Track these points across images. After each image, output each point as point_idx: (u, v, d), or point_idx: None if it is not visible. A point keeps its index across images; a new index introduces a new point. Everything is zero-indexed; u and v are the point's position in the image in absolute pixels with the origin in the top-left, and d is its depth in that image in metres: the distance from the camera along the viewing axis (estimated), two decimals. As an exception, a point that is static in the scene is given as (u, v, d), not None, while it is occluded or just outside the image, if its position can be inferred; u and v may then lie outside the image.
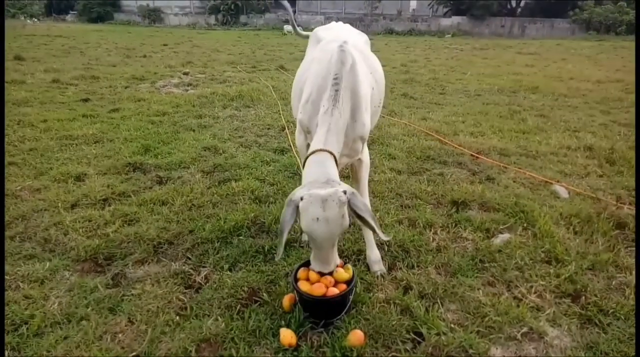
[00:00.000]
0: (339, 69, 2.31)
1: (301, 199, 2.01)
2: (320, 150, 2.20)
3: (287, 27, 27.79)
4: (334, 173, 2.17)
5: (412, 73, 10.80)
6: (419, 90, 8.67)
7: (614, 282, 2.62)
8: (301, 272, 2.31)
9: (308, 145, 2.62)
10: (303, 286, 2.21)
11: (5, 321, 2.16)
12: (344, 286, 2.22)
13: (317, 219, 1.99)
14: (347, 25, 3.38)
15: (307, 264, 2.34)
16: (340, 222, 2.03)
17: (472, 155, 4.78)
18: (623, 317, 2.32)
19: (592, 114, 6.81)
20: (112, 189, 3.71)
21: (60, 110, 6.36)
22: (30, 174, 4.00)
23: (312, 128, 2.42)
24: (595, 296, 2.49)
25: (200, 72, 10.48)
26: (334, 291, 2.18)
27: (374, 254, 2.76)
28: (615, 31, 26.69)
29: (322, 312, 2.22)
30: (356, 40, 3.07)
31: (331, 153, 2.22)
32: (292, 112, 3.20)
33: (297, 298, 2.27)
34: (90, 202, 3.50)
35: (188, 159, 4.49)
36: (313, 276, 2.24)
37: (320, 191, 2.00)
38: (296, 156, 4.50)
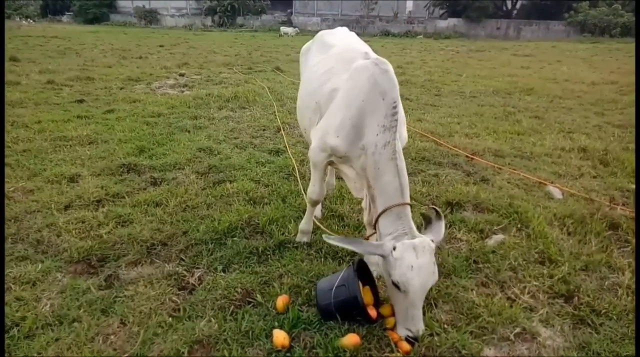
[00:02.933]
0: (396, 94, 2.27)
1: (394, 248, 2.02)
2: (402, 204, 2.18)
3: (284, 29, 27.82)
4: (413, 226, 2.17)
5: (407, 75, 10.82)
6: (414, 92, 8.69)
7: (606, 283, 2.63)
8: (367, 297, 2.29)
9: (328, 163, 2.56)
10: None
11: (-4, 323, 2.15)
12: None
13: (412, 267, 1.99)
14: (352, 33, 3.32)
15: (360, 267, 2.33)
16: (433, 269, 2.04)
17: (467, 156, 4.79)
18: (615, 318, 2.33)
19: (586, 116, 6.85)
20: (105, 190, 3.70)
21: (55, 111, 6.33)
22: (24, 176, 3.97)
23: (352, 154, 2.35)
24: (588, 296, 2.50)
25: (196, 73, 10.47)
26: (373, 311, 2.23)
27: (373, 256, 2.76)
28: (609, 33, 26.85)
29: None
30: (369, 50, 3.04)
31: (409, 204, 2.22)
32: (300, 124, 3.08)
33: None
34: (83, 203, 3.48)
35: (183, 160, 4.48)
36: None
37: (412, 240, 2.04)
38: (292, 158, 4.50)
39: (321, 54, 3.03)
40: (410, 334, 2.09)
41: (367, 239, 2.55)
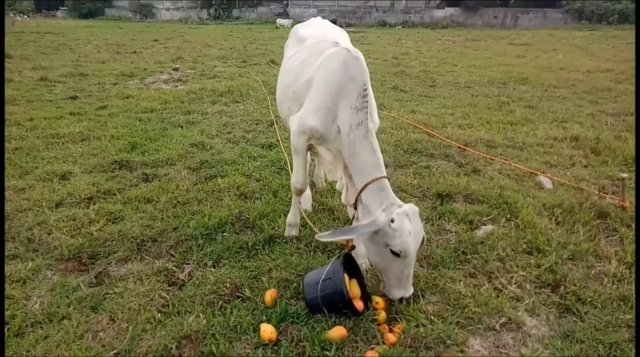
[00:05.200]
0: (366, 79, 2.40)
1: (391, 220, 2.13)
2: (381, 178, 2.30)
3: (280, 21, 27.63)
4: (394, 196, 2.30)
5: (403, 66, 10.77)
6: (409, 83, 8.66)
7: (593, 272, 2.65)
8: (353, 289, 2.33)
9: (309, 147, 2.66)
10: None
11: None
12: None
13: (409, 233, 2.14)
14: (327, 21, 3.39)
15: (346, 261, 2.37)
16: (421, 229, 2.24)
17: (459, 147, 4.80)
18: (600, 306, 2.36)
19: (580, 104, 6.84)
20: (97, 187, 3.71)
21: (48, 108, 6.32)
22: (15, 174, 3.98)
23: (329, 135, 2.46)
24: (574, 285, 2.52)
25: (190, 67, 10.42)
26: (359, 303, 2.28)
27: (359, 248, 2.77)
28: (607, 20, 26.69)
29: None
30: (341, 38, 3.07)
31: (387, 177, 2.33)
32: (281, 113, 3.18)
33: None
34: (75, 201, 3.49)
35: (175, 155, 4.49)
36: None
37: (403, 208, 2.18)
38: (284, 152, 4.50)
39: (296, 46, 3.14)
40: (407, 294, 2.29)
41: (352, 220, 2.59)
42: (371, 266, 2.71)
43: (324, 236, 2.24)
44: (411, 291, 2.32)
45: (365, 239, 2.22)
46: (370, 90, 2.45)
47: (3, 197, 3.43)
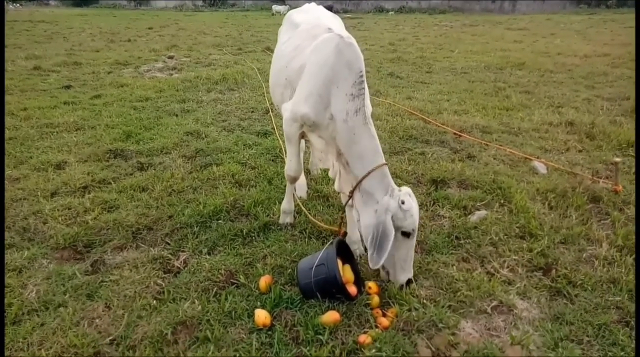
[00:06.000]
0: (362, 65, 2.38)
1: (402, 202, 2.20)
2: (383, 165, 2.33)
3: (276, 7, 27.32)
4: (392, 182, 2.35)
5: (399, 52, 10.70)
6: (405, 69, 8.62)
7: (584, 255, 2.68)
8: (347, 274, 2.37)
9: (302, 135, 2.65)
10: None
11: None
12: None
13: (416, 212, 2.27)
14: (321, 7, 3.35)
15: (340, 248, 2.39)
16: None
17: (454, 133, 4.80)
18: (590, 288, 2.39)
19: (576, 89, 6.82)
20: (92, 176, 3.71)
21: (41, 97, 6.28)
22: (10, 164, 3.97)
23: (321, 122, 2.43)
24: (566, 268, 2.55)
25: (185, 55, 10.34)
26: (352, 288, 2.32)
27: (354, 234, 2.80)
28: (606, 4, 26.46)
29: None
30: (335, 24, 3.05)
31: (386, 164, 2.37)
32: (274, 100, 3.17)
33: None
34: (70, 190, 3.50)
35: (170, 144, 4.48)
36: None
37: (405, 190, 2.29)
38: (279, 139, 4.50)
39: (289, 32, 3.11)
40: (410, 276, 2.35)
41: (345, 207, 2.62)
42: (364, 251, 2.74)
43: (374, 262, 2.18)
44: (412, 272, 2.38)
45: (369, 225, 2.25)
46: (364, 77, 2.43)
47: (3, 198, 3.44)
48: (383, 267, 2.36)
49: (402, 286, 2.35)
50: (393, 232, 2.16)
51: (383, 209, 2.21)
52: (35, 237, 2.88)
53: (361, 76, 2.35)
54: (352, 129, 2.33)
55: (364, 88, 2.36)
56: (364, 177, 2.31)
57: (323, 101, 2.40)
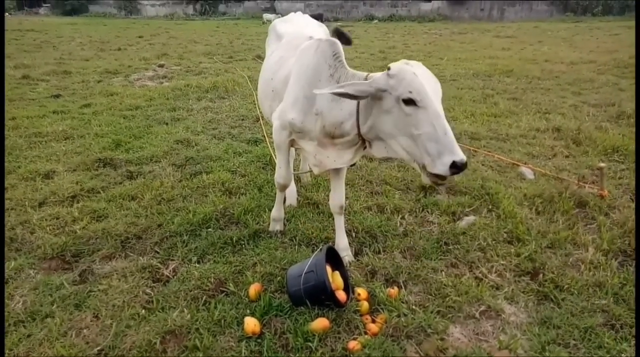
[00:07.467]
0: (338, 48, 2.35)
1: (388, 69, 2.03)
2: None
3: (267, 16, 27.47)
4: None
5: (389, 60, 10.75)
6: (395, 77, 8.68)
7: (570, 259, 2.71)
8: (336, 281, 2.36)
9: (291, 143, 2.64)
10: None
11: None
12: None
13: (415, 74, 2.00)
14: (306, 16, 3.39)
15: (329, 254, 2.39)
16: (432, 75, 2.12)
17: (443, 140, 4.83)
18: (576, 292, 2.42)
19: (563, 96, 6.92)
20: (81, 185, 3.69)
21: (30, 107, 6.24)
22: (-3, 174, 3.93)
23: (309, 122, 2.40)
24: (553, 272, 2.57)
25: (175, 64, 10.35)
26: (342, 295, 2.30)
27: (342, 241, 2.81)
28: (591, 12, 26.95)
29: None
30: (319, 33, 3.09)
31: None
32: (263, 111, 3.20)
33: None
34: (58, 199, 3.47)
35: (160, 152, 4.47)
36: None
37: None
38: (269, 147, 4.50)
39: (274, 44, 3.16)
40: (457, 158, 1.81)
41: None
42: (353, 257, 2.75)
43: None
44: (462, 154, 1.84)
45: (379, 122, 2.08)
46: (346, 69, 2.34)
47: (3, 200, 3.41)
48: (416, 162, 2.01)
49: (450, 170, 1.83)
50: (353, 91, 2.00)
51: (367, 84, 2.05)
52: (23, 248, 2.86)
53: (335, 55, 2.31)
54: (339, 79, 2.29)
55: (341, 61, 2.31)
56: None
57: (309, 102, 2.40)
